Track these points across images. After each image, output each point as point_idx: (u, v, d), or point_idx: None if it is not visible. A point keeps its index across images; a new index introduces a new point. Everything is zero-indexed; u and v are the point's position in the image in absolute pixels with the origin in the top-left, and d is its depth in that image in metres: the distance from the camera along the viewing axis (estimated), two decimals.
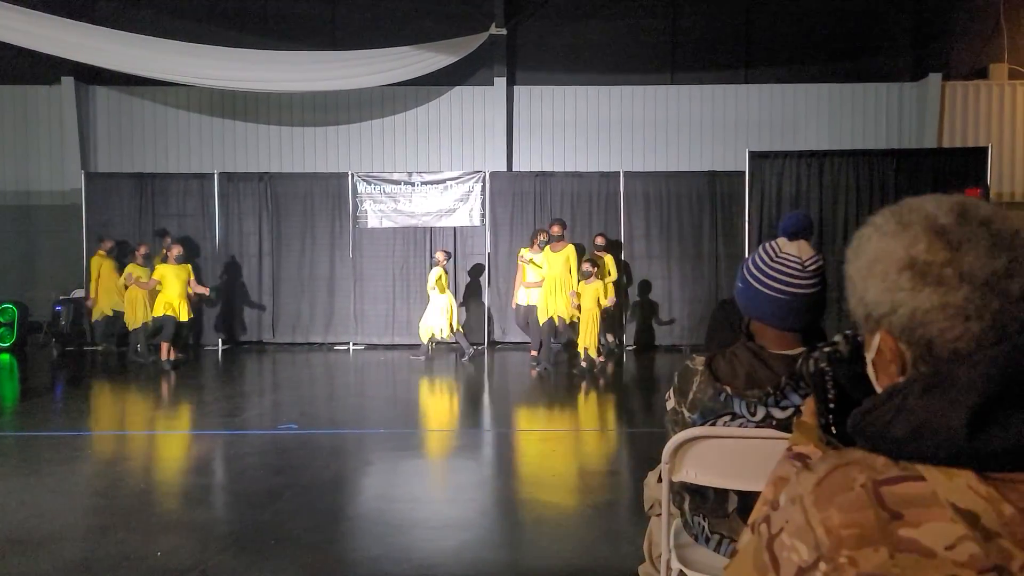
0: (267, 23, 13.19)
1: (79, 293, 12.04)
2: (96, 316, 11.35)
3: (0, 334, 11.53)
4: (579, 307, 9.56)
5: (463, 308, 12.04)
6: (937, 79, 12.76)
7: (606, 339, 10.73)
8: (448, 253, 11.02)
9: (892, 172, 8.86)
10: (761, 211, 9.11)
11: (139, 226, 12.01)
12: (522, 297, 10.28)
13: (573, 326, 9.93)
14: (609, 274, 10.52)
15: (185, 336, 11.33)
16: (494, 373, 10.19)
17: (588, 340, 9.51)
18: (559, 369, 9.98)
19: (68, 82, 13.06)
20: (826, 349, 1.19)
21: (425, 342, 10.65)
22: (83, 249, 12.00)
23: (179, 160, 13.28)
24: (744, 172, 10.08)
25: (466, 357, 10.61)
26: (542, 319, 9.68)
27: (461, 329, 10.98)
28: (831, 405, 1.17)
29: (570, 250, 9.69)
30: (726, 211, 11.76)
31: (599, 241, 11.00)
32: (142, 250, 10.56)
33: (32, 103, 13.40)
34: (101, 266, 11.19)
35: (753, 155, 9.34)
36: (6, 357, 11.15)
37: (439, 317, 10.49)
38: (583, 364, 9.60)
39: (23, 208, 13.20)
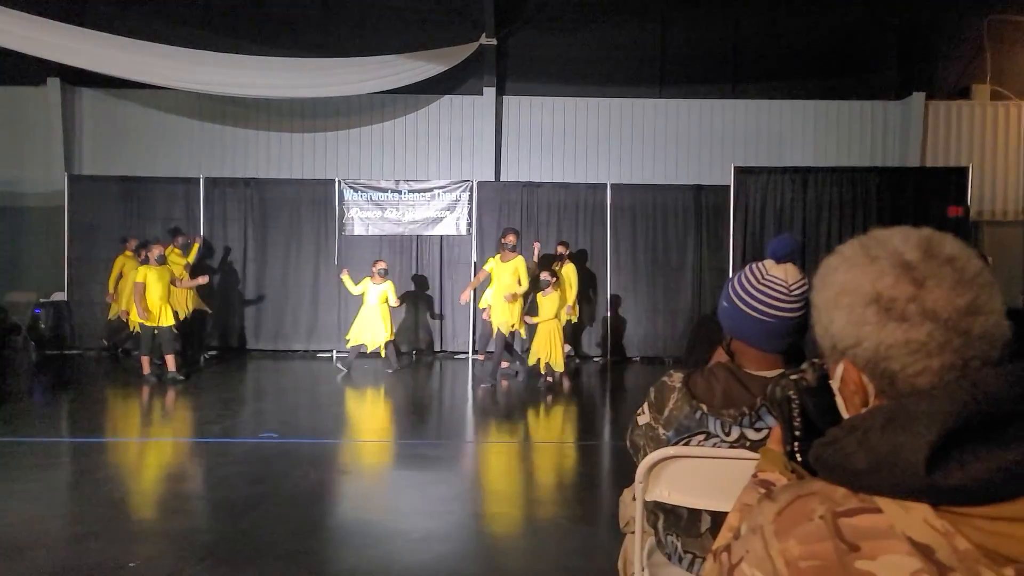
0: (258, 29, 13.16)
1: (60, 296, 11.94)
2: (112, 315, 11.09)
3: None
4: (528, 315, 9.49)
5: (442, 318, 12.06)
6: (921, 98, 12.91)
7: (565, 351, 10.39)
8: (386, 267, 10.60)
9: (875, 189, 8.95)
10: (745, 226, 9.17)
11: (123, 229, 11.92)
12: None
13: (513, 335, 9.71)
14: (570, 286, 10.26)
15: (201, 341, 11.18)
16: (471, 384, 10.15)
17: (551, 354, 9.20)
18: (523, 382, 9.88)
19: (54, 83, 12.98)
20: (793, 377, 1.21)
21: (351, 351, 10.34)
22: (65, 252, 11.90)
23: (165, 164, 13.19)
24: (729, 187, 10.15)
25: (391, 370, 10.31)
26: (493, 331, 9.53)
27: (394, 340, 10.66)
28: (797, 433, 1.18)
29: (519, 261, 9.44)
30: (711, 225, 11.83)
31: (560, 250, 10.75)
32: (155, 252, 10.16)
33: (18, 104, 13.29)
34: (124, 265, 10.97)
35: (738, 170, 9.40)
36: None
37: (378, 327, 10.23)
38: (548, 379, 9.34)
39: (5, 209, 13.08)
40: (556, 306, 9.30)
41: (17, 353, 11.62)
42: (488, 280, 9.83)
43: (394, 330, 10.62)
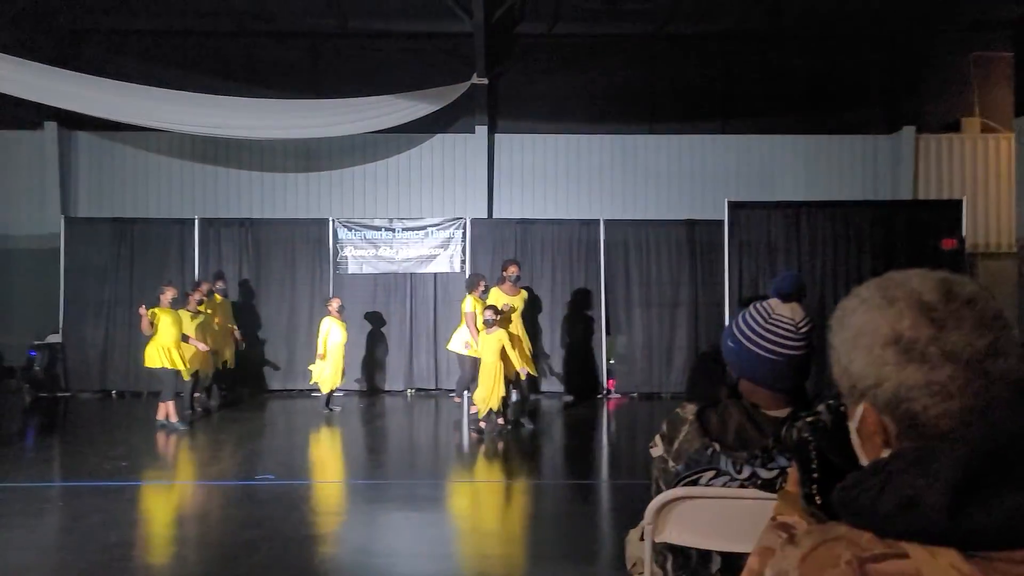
0: (250, 70, 13.29)
1: (54, 338, 11.86)
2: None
3: None
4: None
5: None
6: (911, 132, 13.06)
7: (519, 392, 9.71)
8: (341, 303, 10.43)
9: (868, 223, 9.01)
10: (740, 261, 9.20)
11: (117, 272, 11.90)
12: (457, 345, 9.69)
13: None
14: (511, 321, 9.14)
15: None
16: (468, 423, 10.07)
17: (491, 399, 8.38)
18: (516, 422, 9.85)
19: (51, 127, 13.05)
20: (809, 419, 1.20)
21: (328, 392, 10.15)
22: (61, 294, 11.86)
23: (160, 205, 13.22)
24: (723, 221, 10.21)
25: (327, 409, 10.13)
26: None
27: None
28: (815, 475, 1.18)
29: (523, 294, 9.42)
30: (705, 260, 11.87)
31: (511, 271, 9.44)
32: (168, 295, 9.69)
33: (14, 148, 13.33)
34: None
35: (732, 205, 9.47)
36: None
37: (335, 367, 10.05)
38: (480, 424, 8.59)
39: (1, 251, 13.06)
40: (502, 344, 8.42)
41: (11, 396, 11.52)
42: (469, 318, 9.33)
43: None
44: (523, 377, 8.85)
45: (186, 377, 9.44)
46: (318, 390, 10.24)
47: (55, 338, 11.84)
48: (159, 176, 13.39)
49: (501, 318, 8.59)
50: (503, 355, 8.41)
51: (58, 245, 11.99)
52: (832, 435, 1.17)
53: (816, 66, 13.25)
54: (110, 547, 5.09)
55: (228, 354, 10.97)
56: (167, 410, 8.91)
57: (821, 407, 1.20)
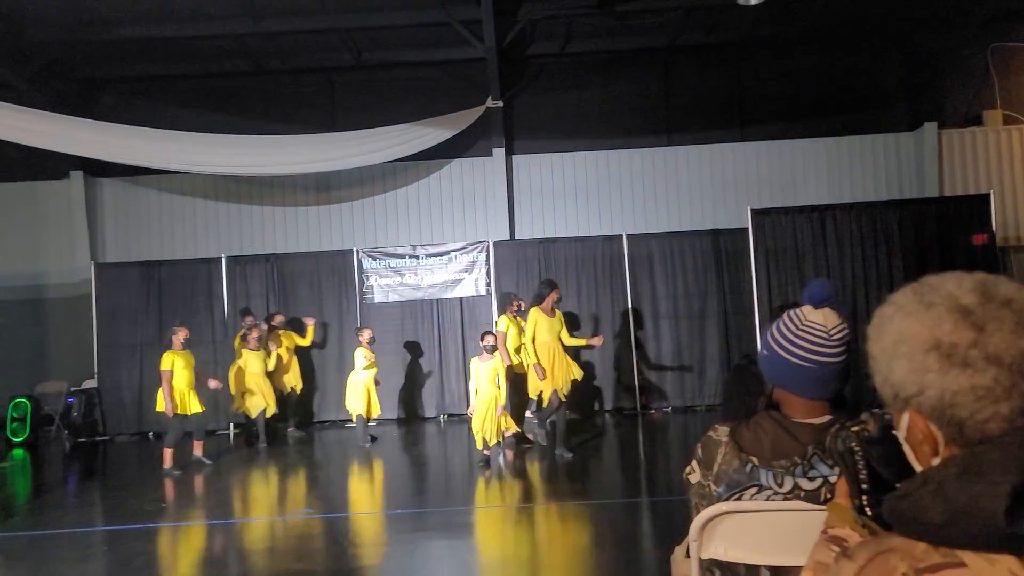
0: (268, 108, 13.50)
1: (90, 383, 12.03)
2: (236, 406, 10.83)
3: (14, 429, 11.47)
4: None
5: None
6: (933, 128, 12.93)
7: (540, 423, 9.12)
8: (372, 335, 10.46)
9: (896, 223, 8.88)
10: (767, 268, 9.10)
11: (147, 314, 12.06)
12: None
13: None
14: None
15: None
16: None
17: (485, 430, 8.13)
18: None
19: (77, 176, 13.33)
20: (854, 428, 1.18)
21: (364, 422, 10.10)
22: (94, 339, 12.04)
23: (186, 246, 13.42)
24: (747, 229, 10.15)
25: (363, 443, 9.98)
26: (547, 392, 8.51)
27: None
28: (864, 486, 1.16)
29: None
30: (732, 269, 11.79)
31: (555, 296, 8.79)
32: (254, 333, 10.00)
33: (42, 198, 13.64)
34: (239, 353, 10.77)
35: (755, 212, 9.40)
36: (20, 452, 11.08)
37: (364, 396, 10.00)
38: (485, 453, 8.31)
39: (34, 301, 13.32)
40: (495, 374, 8.17)
41: (51, 443, 11.68)
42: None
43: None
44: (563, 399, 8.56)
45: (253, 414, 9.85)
46: (350, 420, 10.23)
47: (91, 383, 12.01)
48: (183, 217, 13.60)
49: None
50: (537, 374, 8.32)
51: (89, 291, 12.18)
52: (879, 445, 1.15)
53: (832, 67, 13.19)
54: None
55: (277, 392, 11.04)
56: (167, 457, 8.73)
57: (866, 416, 1.18)
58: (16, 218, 13.61)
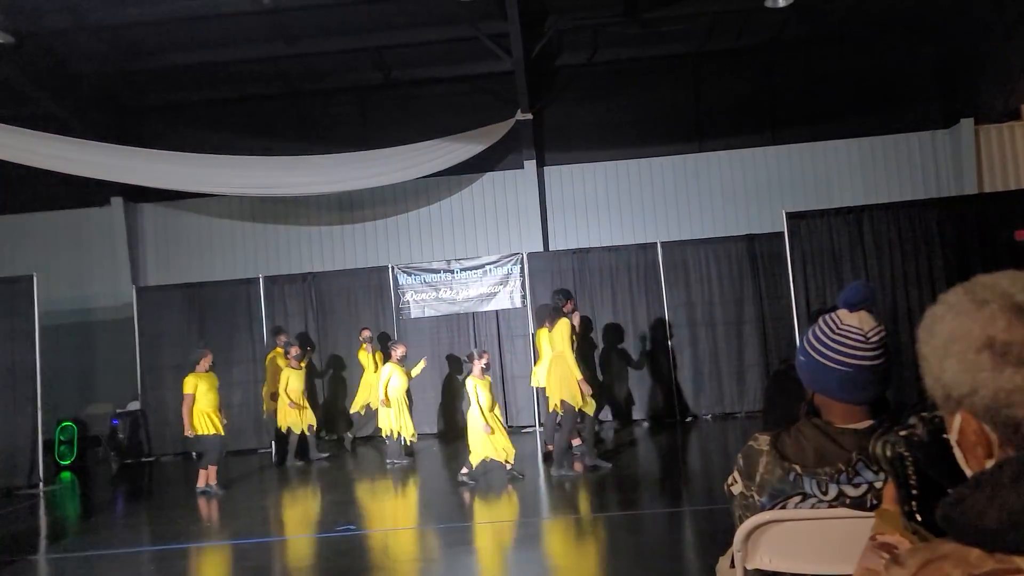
0: (301, 129, 13.70)
1: (135, 405, 12.25)
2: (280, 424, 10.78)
3: (61, 452, 11.72)
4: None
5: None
6: (970, 124, 12.70)
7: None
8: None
9: (935, 222, 8.71)
10: (804, 271, 8.97)
11: (188, 335, 12.25)
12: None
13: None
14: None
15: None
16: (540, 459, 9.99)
17: (485, 448, 8.16)
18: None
19: (117, 202, 13.64)
20: (902, 433, 1.16)
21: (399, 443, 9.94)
22: (138, 361, 12.26)
23: (224, 267, 13.63)
24: (783, 233, 10.04)
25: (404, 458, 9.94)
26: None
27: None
28: (914, 492, 1.13)
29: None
30: (768, 273, 11.67)
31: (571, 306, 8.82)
32: (293, 351, 9.98)
33: (85, 224, 13.97)
34: (275, 360, 10.88)
35: (790, 215, 9.29)
36: (67, 475, 11.30)
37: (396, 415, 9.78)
38: (514, 472, 8.29)
39: (80, 325, 13.62)
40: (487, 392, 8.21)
41: (98, 464, 11.91)
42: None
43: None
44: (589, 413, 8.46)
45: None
46: (385, 435, 10.16)
47: (135, 405, 12.23)
48: (222, 239, 13.83)
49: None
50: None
51: (132, 314, 12.42)
52: (929, 449, 1.13)
53: (864, 66, 13.02)
54: None
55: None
56: (208, 476, 8.82)
57: (914, 419, 1.16)
58: (61, 245, 13.96)
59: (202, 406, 8.82)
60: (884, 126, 13.11)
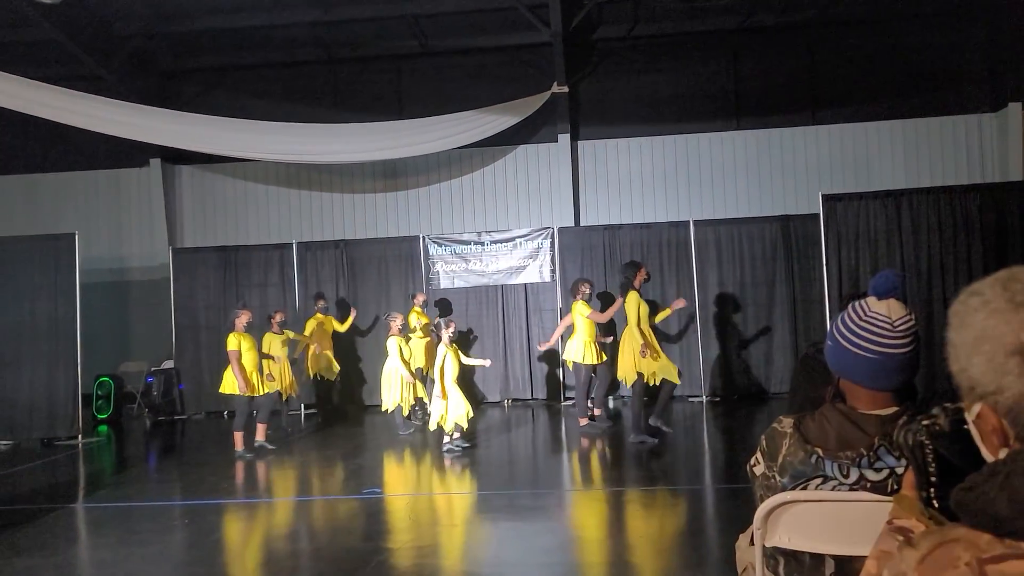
0: (337, 96, 13.76)
1: (169, 364, 12.52)
2: (313, 372, 11.09)
3: (99, 406, 12.04)
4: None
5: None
6: (1017, 108, 12.38)
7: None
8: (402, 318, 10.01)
9: (976, 208, 8.53)
10: (839, 255, 8.85)
11: (223, 298, 12.45)
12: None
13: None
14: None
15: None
16: (565, 432, 10.08)
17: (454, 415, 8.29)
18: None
19: (156, 164, 13.85)
20: (924, 422, 1.19)
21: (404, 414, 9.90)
22: (173, 321, 12.50)
23: (259, 232, 13.82)
24: (819, 215, 9.93)
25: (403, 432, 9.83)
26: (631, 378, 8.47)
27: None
28: (933, 479, 1.16)
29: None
30: (802, 256, 11.55)
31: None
32: (243, 319, 9.31)
33: (124, 185, 14.22)
34: (317, 324, 11.02)
35: (827, 198, 9.16)
36: (104, 428, 11.62)
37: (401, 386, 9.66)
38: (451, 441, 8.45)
39: (117, 284, 13.93)
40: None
41: (133, 420, 12.23)
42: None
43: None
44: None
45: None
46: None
47: (169, 364, 12.50)
48: (257, 204, 13.98)
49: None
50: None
51: (168, 275, 12.65)
52: (950, 439, 1.15)
53: (909, 46, 12.74)
54: (235, 562, 5.35)
55: (334, 369, 11.31)
56: (257, 432, 8.91)
57: (937, 410, 1.18)
58: (101, 204, 14.23)
59: (243, 365, 8.81)
60: (928, 108, 12.84)
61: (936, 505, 1.16)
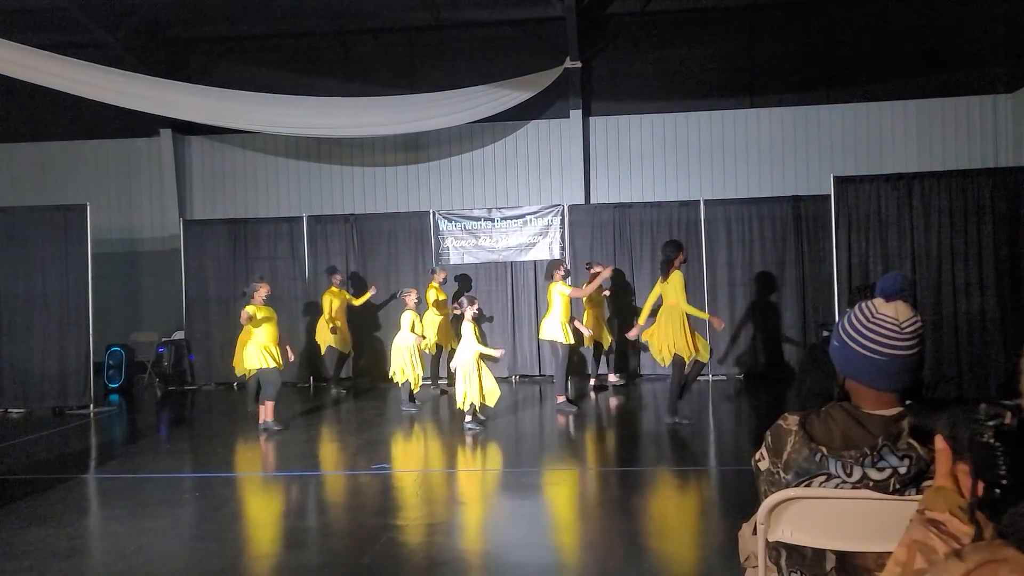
0: (348, 68, 13.69)
1: (179, 335, 12.62)
2: (336, 345, 11.23)
3: (110, 375, 12.17)
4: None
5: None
6: None
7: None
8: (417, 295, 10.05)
9: (989, 193, 8.46)
10: (849, 237, 8.80)
11: (233, 270, 12.51)
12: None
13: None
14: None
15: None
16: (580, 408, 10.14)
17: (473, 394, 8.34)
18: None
19: (166, 134, 13.84)
20: (991, 423, 1.19)
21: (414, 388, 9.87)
22: (183, 292, 12.58)
23: (269, 205, 13.84)
24: (829, 196, 9.88)
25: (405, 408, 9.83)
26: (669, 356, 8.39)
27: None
28: (1004, 482, 1.16)
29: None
30: (812, 236, 11.52)
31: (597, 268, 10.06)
32: (262, 292, 9.02)
33: (134, 155, 14.24)
34: (332, 299, 11.15)
35: (838, 179, 9.11)
36: (115, 398, 11.75)
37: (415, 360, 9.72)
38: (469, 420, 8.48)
39: (128, 255, 14.00)
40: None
41: (144, 390, 12.36)
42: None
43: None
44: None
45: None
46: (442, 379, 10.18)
47: (180, 334, 12.60)
48: (267, 176, 13.99)
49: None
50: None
51: (179, 246, 12.69)
52: (1017, 439, 1.16)
53: (925, 26, 12.59)
54: (246, 534, 5.43)
55: (348, 343, 11.48)
56: (266, 412, 8.76)
57: (988, 407, 1.19)
58: (111, 175, 14.26)
59: (260, 339, 8.71)
60: (943, 88, 12.70)
61: (996, 506, 1.17)
